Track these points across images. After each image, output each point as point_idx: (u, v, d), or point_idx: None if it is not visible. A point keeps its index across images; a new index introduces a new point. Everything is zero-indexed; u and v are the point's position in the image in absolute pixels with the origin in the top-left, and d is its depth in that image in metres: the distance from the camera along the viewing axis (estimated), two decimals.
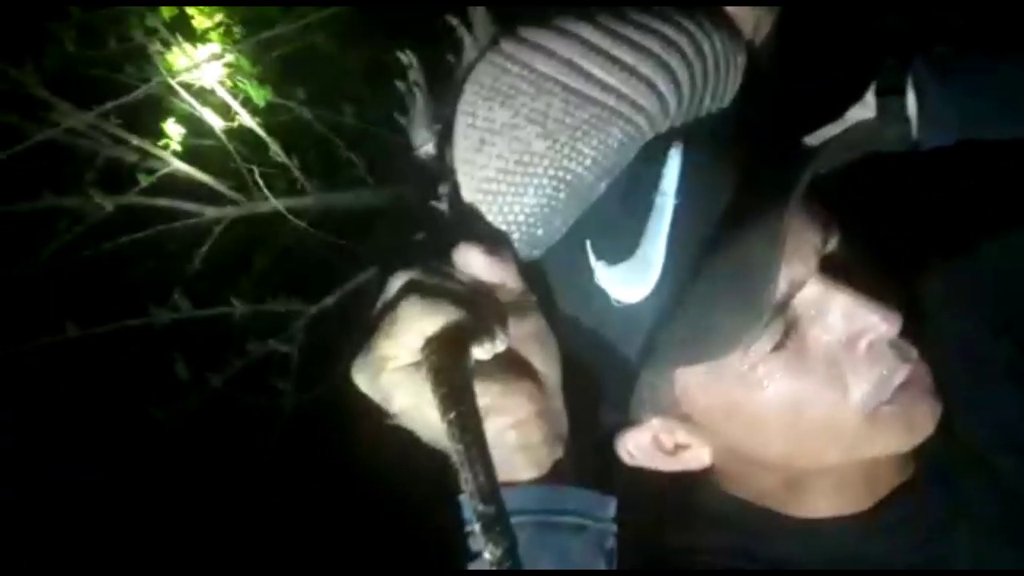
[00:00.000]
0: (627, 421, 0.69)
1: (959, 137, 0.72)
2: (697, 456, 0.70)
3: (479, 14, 0.64)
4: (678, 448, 0.70)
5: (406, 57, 0.65)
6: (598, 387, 0.67)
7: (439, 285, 0.57)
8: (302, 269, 1.94)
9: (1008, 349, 0.76)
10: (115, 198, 1.78)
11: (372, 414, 0.59)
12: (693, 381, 0.65)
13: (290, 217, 1.81)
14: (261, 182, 1.82)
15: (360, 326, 0.60)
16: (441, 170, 0.64)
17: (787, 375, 0.63)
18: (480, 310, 0.56)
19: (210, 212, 1.80)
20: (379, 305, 0.58)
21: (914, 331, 0.67)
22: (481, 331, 0.54)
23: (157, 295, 1.71)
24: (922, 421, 0.66)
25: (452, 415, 0.51)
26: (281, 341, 1.71)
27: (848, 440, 0.66)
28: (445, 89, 0.64)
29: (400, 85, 0.66)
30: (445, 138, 0.64)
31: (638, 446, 0.70)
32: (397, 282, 0.58)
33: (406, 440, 0.59)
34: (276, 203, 1.80)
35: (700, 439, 0.69)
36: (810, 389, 0.64)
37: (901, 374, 0.65)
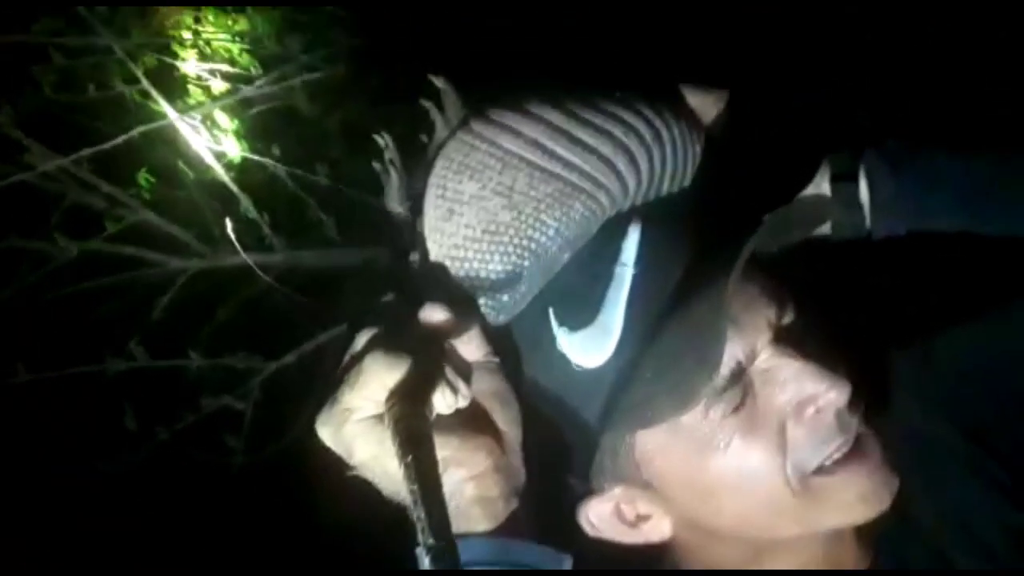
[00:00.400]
0: (589, 490, 0.70)
1: (910, 228, 0.74)
2: (658, 527, 0.71)
3: (450, 97, 0.68)
4: (639, 519, 0.71)
5: (382, 140, 0.69)
6: (563, 456, 0.69)
7: (404, 341, 0.59)
8: (263, 326, 1.92)
9: (966, 445, 0.77)
10: (80, 243, 1.76)
11: (332, 467, 0.61)
12: (652, 445, 0.66)
13: (257, 271, 1.80)
14: (232, 236, 1.81)
15: (320, 385, 0.62)
16: (412, 237, 0.67)
17: (740, 438, 0.65)
18: (442, 366, 0.59)
19: (175, 263, 1.79)
20: (346, 359, 0.60)
21: (871, 416, 0.68)
22: (442, 385, 0.58)
23: (115, 342, 1.69)
24: (873, 492, 0.67)
25: (409, 458, 0.54)
26: (236, 398, 1.68)
27: (791, 512, 0.67)
28: (417, 164, 0.68)
29: (376, 165, 0.69)
30: (417, 208, 0.67)
31: (600, 516, 0.71)
32: (363, 337, 0.60)
33: (355, 505, 0.60)
34: (244, 257, 1.79)
35: (660, 509, 0.70)
36: (757, 455, 0.65)
37: (836, 443, 0.66)
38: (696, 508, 0.69)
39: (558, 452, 0.69)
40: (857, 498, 0.67)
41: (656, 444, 0.66)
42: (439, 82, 0.69)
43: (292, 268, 1.87)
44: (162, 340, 1.73)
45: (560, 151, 0.65)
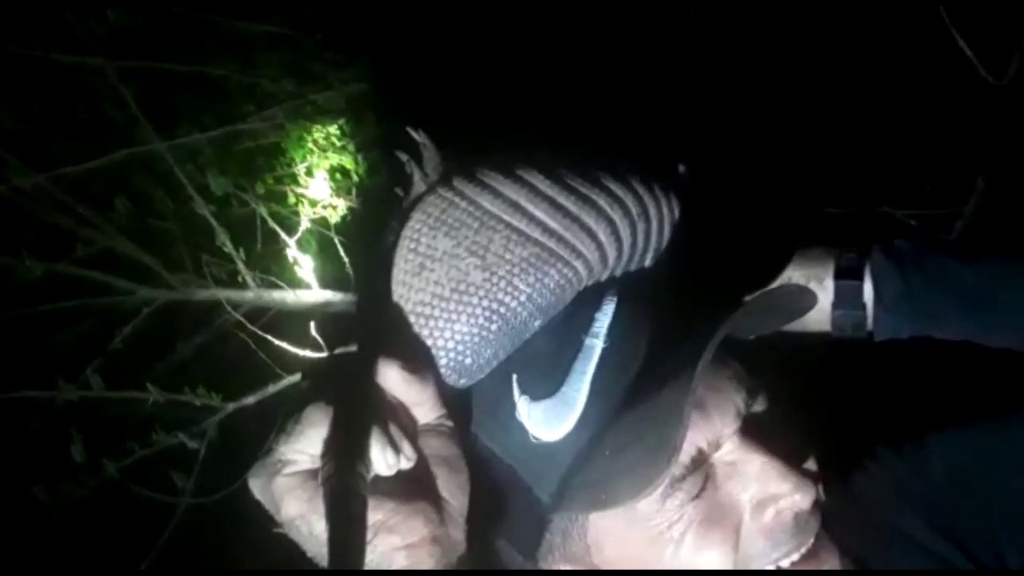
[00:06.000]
0: (535, 570, 0.66)
1: (913, 332, 0.72)
2: None
3: (429, 151, 0.67)
4: None
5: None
6: (507, 529, 0.65)
7: (350, 394, 0.56)
8: (225, 365, 1.87)
9: (947, 547, 0.73)
10: (47, 264, 1.72)
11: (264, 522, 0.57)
12: (605, 531, 0.63)
13: (228, 308, 1.77)
14: (206, 269, 1.78)
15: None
16: (381, 287, 0.65)
17: (696, 532, 0.62)
18: (387, 424, 0.55)
19: (143, 292, 1.75)
20: (287, 409, 0.57)
21: (847, 520, 0.66)
22: (384, 444, 0.54)
23: (69, 369, 1.63)
24: None
25: (333, 520, 0.51)
26: (190, 436, 1.63)
27: None
28: (391, 215, 0.66)
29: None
30: (389, 260, 0.65)
31: None
32: (309, 388, 0.58)
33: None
34: (216, 292, 1.76)
35: None
36: (713, 550, 0.62)
37: (787, 547, 0.63)
38: None
39: (502, 525, 0.65)
40: None
41: (609, 530, 0.63)
42: (418, 135, 0.67)
43: (262, 309, 1.83)
44: (117, 371, 1.67)
45: (540, 215, 0.63)
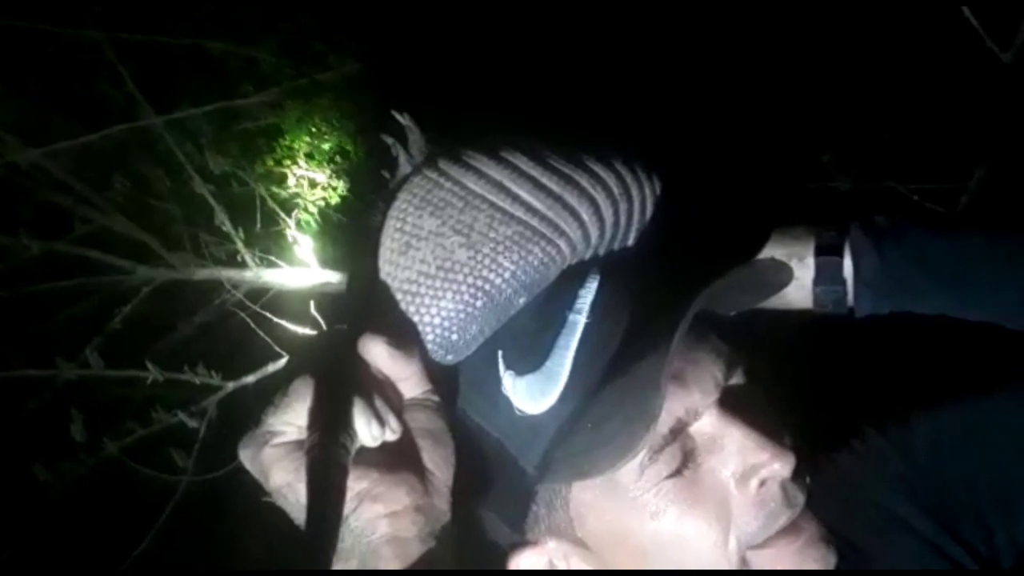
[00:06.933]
0: (521, 541, 0.68)
1: (894, 308, 0.72)
2: None
3: (414, 134, 0.68)
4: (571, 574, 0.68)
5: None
6: (494, 501, 0.67)
7: (336, 368, 0.58)
8: (224, 344, 1.87)
9: (931, 526, 0.73)
10: (45, 243, 1.71)
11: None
12: (587, 502, 0.64)
13: (228, 286, 1.76)
14: (206, 250, 1.78)
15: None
16: (369, 266, 0.66)
17: (678, 506, 0.63)
18: (372, 397, 0.57)
19: (142, 271, 1.74)
20: (277, 383, 0.59)
21: (833, 499, 0.66)
22: (369, 416, 0.56)
23: (69, 348, 1.63)
24: (803, 566, 0.64)
25: (312, 488, 0.52)
26: (190, 415, 1.63)
27: None
28: (378, 196, 0.68)
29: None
30: (376, 239, 0.66)
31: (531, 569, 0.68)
32: (297, 362, 0.59)
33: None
34: (215, 271, 1.76)
35: (592, 565, 0.67)
36: (696, 525, 0.63)
37: (783, 519, 0.63)
38: (626, 566, 0.66)
39: (489, 497, 0.66)
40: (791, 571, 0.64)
41: (591, 501, 0.64)
42: (403, 119, 0.68)
43: (262, 288, 1.83)
44: (117, 350, 1.67)
45: (523, 195, 0.64)
